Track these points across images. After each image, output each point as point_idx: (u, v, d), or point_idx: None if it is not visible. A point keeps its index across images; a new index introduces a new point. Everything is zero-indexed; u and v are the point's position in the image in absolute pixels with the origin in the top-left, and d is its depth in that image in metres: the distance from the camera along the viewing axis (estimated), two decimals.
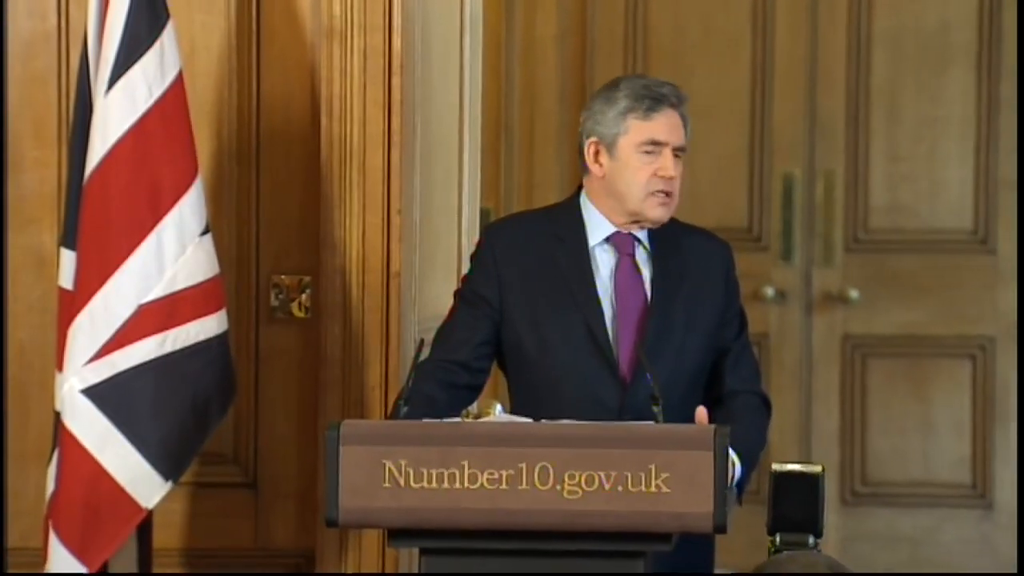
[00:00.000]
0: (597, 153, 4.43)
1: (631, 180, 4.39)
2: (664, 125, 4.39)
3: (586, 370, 4.40)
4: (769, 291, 7.53)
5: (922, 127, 7.57)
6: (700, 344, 4.47)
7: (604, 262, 4.47)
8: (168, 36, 4.51)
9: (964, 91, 7.53)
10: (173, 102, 4.51)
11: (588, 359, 4.40)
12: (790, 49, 7.58)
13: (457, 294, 4.56)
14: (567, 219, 4.50)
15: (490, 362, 4.51)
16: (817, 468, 4.12)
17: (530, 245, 4.50)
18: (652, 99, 4.39)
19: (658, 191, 4.38)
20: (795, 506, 4.02)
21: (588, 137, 4.44)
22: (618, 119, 4.39)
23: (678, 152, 4.40)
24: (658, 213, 4.41)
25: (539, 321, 4.42)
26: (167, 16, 4.52)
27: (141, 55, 4.47)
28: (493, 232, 4.68)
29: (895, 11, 7.54)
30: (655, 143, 4.37)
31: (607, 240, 4.46)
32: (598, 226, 4.46)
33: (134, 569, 4.53)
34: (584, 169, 4.48)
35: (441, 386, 4.37)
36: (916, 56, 7.55)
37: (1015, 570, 7.33)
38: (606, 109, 4.41)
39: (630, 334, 4.42)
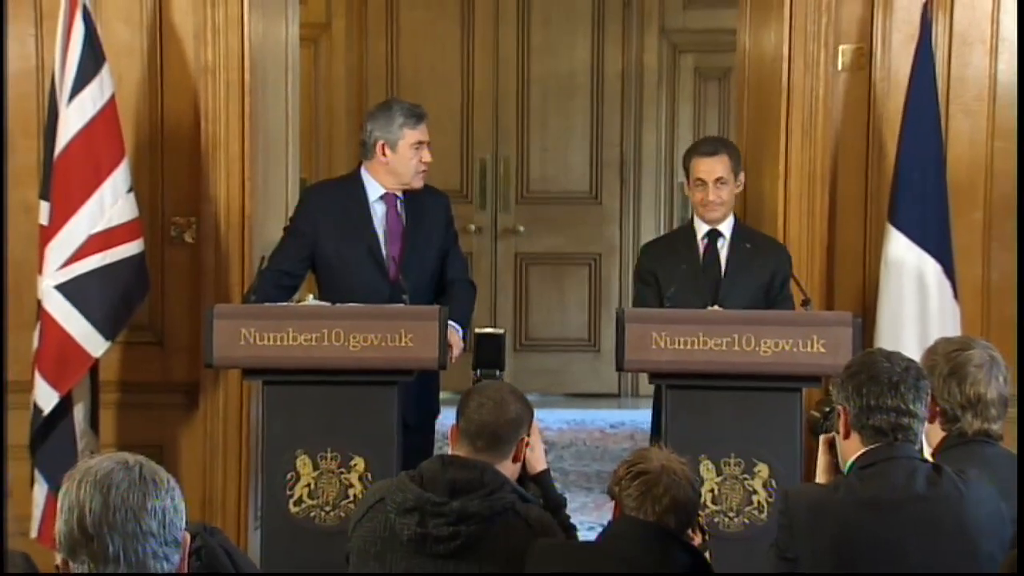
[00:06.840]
0: (383, 150, 4.40)
1: (408, 165, 4.40)
2: (423, 132, 4.41)
3: (369, 275, 4.40)
4: (472, 227, 7.57)
5: (560, 131, 7.65)
6: (433, 255, 4.52)
7: (378, 211, 4.46)
8: (105, 71, 4.40)
9: (583, 110, 7.63)
10: (109, 112, 4.40)
11: (371, 268, 4.40)
12: (483, 83, 7.61)
13: (286, 229, 4.54)
14: (354, 185, 4.48)
15: (306, 271, 4.50)
16: (501, 330, 4.16)
17: (333, 199, 4.48)
18: (416, 117, 4.41)
19: (422, 171, 4.41)
20: (489, 353, 4.05)
21: (377, 141, 4.40)
22: (398, 129, 4.38)
23: (429, 145, 4.43)
24: (419, 183, 4.45)
25: (340, 245, 4.41)
26: (104, 59, 4.41)
27: (88, 83, 4.36)
28: (311, 192, 4.67)
29: (543, 63, 7.60)
30: (420, 142, 4.40)
31: (380, 198, 4.46)
32: (374, 189, 4.45)
33: (88, 393, 4.45)
34: (365, 155, 4.45)
35: (274, 286, 4.34)
36: (556, 89, 7.62)
37: (615, 389, 7.57)
38: (389, 124, 4.40)
39: (395, 253, 4.44)
